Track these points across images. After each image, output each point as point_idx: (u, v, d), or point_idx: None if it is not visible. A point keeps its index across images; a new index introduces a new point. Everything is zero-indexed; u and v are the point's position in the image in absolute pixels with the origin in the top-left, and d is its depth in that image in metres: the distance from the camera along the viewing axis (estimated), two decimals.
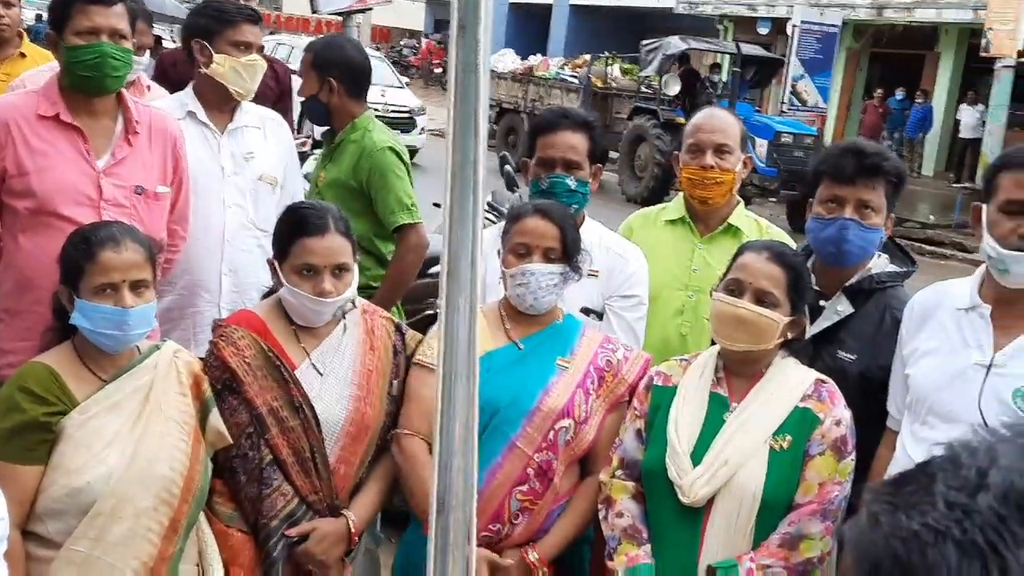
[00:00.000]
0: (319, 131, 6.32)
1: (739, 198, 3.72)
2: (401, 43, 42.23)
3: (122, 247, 2.66)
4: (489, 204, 7.84)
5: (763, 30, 24.00)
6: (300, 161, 4.82)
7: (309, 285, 2.92)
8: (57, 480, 2.59)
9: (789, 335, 2.83)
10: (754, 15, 26.35)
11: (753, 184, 15.95)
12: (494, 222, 5.37)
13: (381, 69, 18.97)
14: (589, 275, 3.21)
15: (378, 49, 30.26)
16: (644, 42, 18.81)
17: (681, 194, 3.74)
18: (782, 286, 2.78)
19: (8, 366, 3.10)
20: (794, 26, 21.11)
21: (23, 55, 5.43)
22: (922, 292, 2.97)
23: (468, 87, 1.20)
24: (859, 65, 26.92)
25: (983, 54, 19.31)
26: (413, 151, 14.84)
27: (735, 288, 2.80)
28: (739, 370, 2.86)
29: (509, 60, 23.36)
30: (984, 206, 2.74)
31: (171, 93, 4.44)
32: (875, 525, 0.90)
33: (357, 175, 4.07)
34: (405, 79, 24.72)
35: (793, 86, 21.10)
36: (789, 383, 2.81)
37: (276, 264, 3.00)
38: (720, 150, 3.56)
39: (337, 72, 4.15)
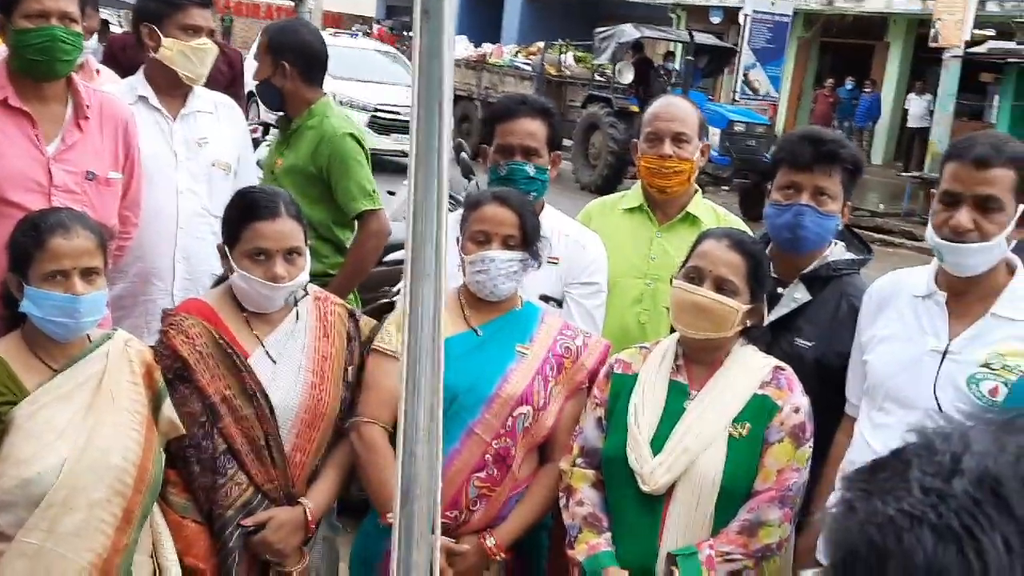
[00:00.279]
0: (270, 116, 6.24)
1: (696, 187, 3.73)
2: (353, 29, 41.94)
3: (72, 233, 2.62)
4: None
5: (716, 19, 24.15)
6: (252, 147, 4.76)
7: (261, 270, 2.88)
8: (7, 471, 2.54)
9: (748, 323, 2.84)
10: (707, 4, 26.48)
11: (706, 172, 16.01)
12: (451, 210, 5.34)
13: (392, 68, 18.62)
14: (548, 262, 3.20)
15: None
16: (598, 30, 18.79)
17: (639, 182, 3.73)
18: (742, 274, 2.78)
19: None
20: (746, 15, 21.30)
21: None
22: (880, 280, 3.00)
23: (432, 73, 1.19)
24: (810, 55, 27.21)
25: (932, 44, 19.54)
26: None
27: (695, 275, 2.81)
28: (699, 358, 2.86)
29: (462, 47, 23.19)
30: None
31: (121, 78, 4.37)
32: (850, 512, 0.90)
33: (316, 161, 4.02)
34: None
35: (745, 75, 21.29)
36: (748, 370, 2.82)
37: (227, 250, 2.95)
38: (678, 139, 3.56)
39: (291, 56, 4.09)
